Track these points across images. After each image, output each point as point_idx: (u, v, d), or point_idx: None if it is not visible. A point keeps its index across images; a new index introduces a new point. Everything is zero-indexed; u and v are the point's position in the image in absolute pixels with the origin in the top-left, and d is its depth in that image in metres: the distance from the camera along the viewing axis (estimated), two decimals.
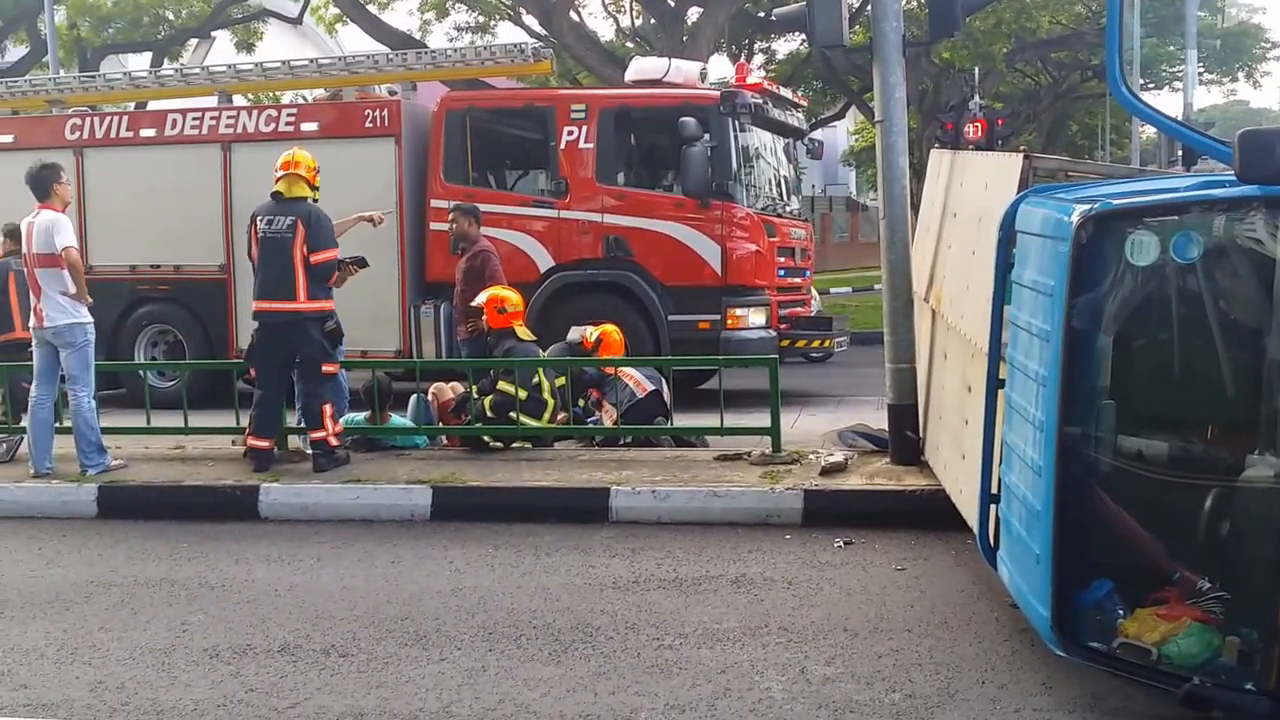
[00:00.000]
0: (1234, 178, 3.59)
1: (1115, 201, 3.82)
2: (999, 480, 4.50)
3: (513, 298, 8.52)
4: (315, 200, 7.84)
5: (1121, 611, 3.77)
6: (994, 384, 4.58)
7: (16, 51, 27.04)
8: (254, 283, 7.90)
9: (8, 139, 12.54)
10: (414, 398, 8.63)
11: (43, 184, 7.79)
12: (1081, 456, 3.81)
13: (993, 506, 4.61)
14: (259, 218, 7.77)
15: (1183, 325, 3.72)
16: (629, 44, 28.16)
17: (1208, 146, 3.97)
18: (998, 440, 4.53)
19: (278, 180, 7.80)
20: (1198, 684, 3.53)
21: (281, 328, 7.72)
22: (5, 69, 24.83)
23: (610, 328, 8.98)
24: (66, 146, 12.08)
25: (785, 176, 12.77)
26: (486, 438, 8.10)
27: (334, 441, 7.71)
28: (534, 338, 8.68)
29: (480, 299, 8.54)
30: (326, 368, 7.76)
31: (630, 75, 12.47)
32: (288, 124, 11.79)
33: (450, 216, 9.97)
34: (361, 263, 8.11)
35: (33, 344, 7.92)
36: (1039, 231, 4.08)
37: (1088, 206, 3.71)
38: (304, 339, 7.70)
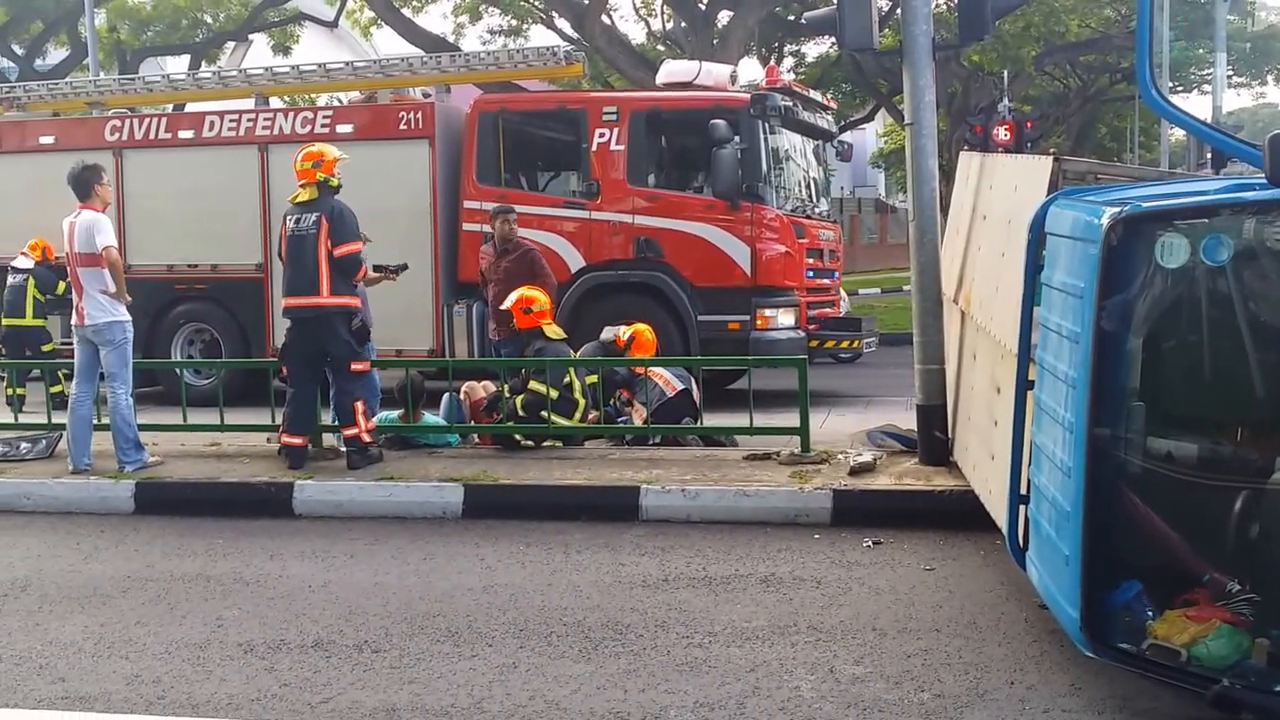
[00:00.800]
0: (1264, 181, 3.59)
1: (1145, 204, 3.82)
2: (1028, 481, 4.49)
3: (540, 298, 8.56)
4: (337, 186, 7.84)
5: (1151, 613, 3.76)
6: (1023, 385, 4.58)
7: (57, 54, 27.42)
8: (283, 280, 8.02)
9: (49, 140, 12.73)
10: (446, 396, 8.70)
11: (84, 184, 7.92)
12: (1111, 458, 3.81)
13: (1022, 507, 4.61)
14: (288, 216, 7.88)
15: (1212, 327, 3.71)
16: (660, 47, 28.26)
17: (1237, 149, 3.96)
18: (1027, 441, 4.53)
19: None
20: (1227, 686, 3.52)
21: (309, 323, 7.79)
22: (46, 71, 25.19)
23: (643, 327, 9.03)
24: (106, 148, 12.23)
25: (814, 178, 12.77)
26: (518, 436, 8.15)
27: (367, 439, 7.76)
28: (564, 336, 8.72)
29: (508, 301, 8.60)
30: (355, 366, 7.80)
31: (661, 78, 12.51)
32: (323, 126, 11.91)
33: (497, 219, 9.95)
34: (402, 268, 8.49)
35: (74, 341, 8.07)
36: (1069, 234, 4.08)
37: (1118, 209, 3.70)
38: (331, 336, 7.75)
